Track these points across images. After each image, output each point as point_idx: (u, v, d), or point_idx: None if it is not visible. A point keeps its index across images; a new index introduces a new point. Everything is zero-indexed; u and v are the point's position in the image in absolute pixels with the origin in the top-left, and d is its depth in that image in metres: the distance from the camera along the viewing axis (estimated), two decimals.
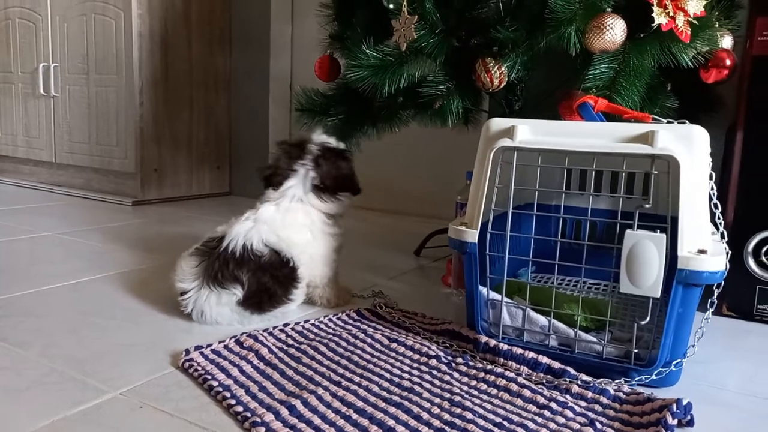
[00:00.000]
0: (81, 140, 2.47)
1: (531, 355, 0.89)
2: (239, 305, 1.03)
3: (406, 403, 0.76)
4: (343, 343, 0.96)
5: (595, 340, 0.90)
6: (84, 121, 2.44)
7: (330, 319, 1.08)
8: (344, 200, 1.16)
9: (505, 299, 0.95)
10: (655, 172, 0.83)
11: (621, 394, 0.81)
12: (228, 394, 0.77)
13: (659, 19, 1.01)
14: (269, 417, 0.71)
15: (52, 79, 2.52)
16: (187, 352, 0.89)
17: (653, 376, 0.84)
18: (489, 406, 0.77)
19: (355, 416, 0.73)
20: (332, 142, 1.17)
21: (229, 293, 1.02)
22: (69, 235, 1.72)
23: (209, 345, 0.92)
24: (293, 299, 1.09)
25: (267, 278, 1.04)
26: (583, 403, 0.79)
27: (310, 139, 1.16)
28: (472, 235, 0.93)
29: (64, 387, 0.79)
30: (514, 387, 0.82)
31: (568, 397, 0.80)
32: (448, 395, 0.79)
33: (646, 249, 0.80)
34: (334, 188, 1.13)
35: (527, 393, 0.80)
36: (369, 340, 0.98)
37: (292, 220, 1.09)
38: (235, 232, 1.05)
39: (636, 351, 0.85)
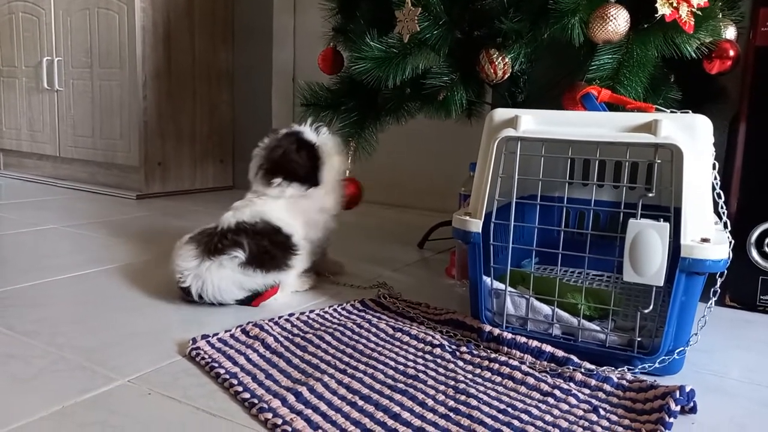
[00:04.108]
0: (85, 134, 2.47)
1: (535, 343, 0.90)
2: (242, 266, 1.06)
3: (411, 390, 0.77)
4: (348, 333, 0.96)
5: (598, 328, 0.91)
6: (88, 114, 2.45)
7: (335, 309, 1.09)
8: (291, 188, 1.16)
9: (509, 289, 0.95)
10: (659, 161, 0.84)
11: (624, 382, 0.82)
12: (235, 382, 0.78)
13: (663, 9, 1.01)
14: (276, 403, 0.72)
15: (56, 73, 2.52)
16: (194, 340, 0.90)
17: (656, 364, 0.85)
18: (493, 393, 0.78)
19: (361, 403, 0.73)
20: (308, 131, 1.20)
21: (230, 257, 1.05)
22: (74, 228, 1.73)
23: (215, 334, 0.92)
24: (293, 265, 1.13)
25: (266, 242, 1.09)
26: (587, 391, 0.80)
27: (283, 128, 1.21)
28: (476, 225, 0.94)
29: (73, 375, 0.80)
30: (518, 375, 0.82)
31: (571, 384, 0.81)
32: (452, 383, 0.80)
33: (649, 238, 0.81)
34: (271, 171, 1.16)
35: (531, 380, 0.81)
36: (374, 329, 0.99)
37: (261, 201, 1.15)
38: (224, 217, 1.13)
39: (639, 339, 0.86)
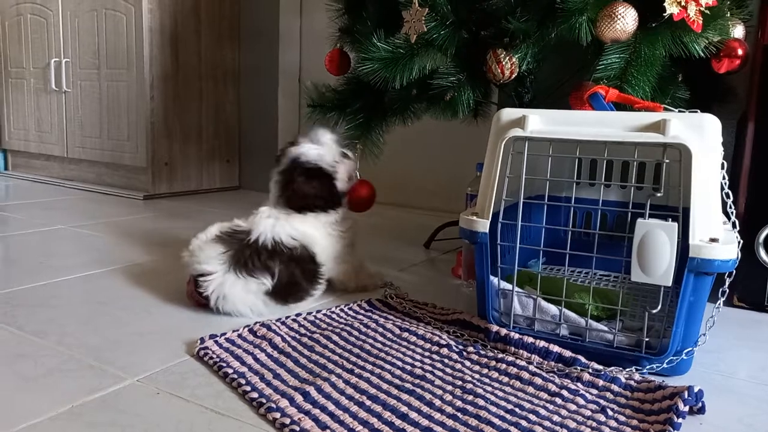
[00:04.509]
0: (92, 135, 2.49)
1: (542, 343, 0.90)
2: (267, 295, 1.04)
3: (418, 390, 0.77)
4: (355, 333, 0.97)
5: (606, 329, 0.90)
6: (95, 115, 2.46)
7: (342, 309, 1.09)
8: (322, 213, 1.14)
9: (516, 289, 0.95)
10: (667, 161, 0.83)
11: (632, 382, 0.81)
12: (243, 381, 0.78)
13: (671, 8, 1.01)
14: (284, 403, 0.72)
15: (64, 74, 2.53)
16: (202, 340, 0.90)
17: (664, 365, 0.85)
18: (500, 394, 0.78)
19: (368, 403, 0.74)
20: (310, 150, 1.13)
21: (258, 282, 1.03)
22: (81, 229, 1.74)
23: (223, 334, 0.93)
24: (314, 295, 1.12)
25: (298, 271, 1.06)
26: (595, 391, 0.80)
27: (291, 145, 1.15)
28: (483, 225, 0.94)
29: (83, 374, 0.81)
30: (526, 375, 0.82)
31: (579, 384, 0.81)
32: (459, 383, 0.80)
33: (657, 238, 0.80)
34: (294, 207, 1.12)
35: (538, 381, 0.81)
36: (380, 329, 0.99)
37: (300, 219, 1.11)
38: (263, 225, 1.07)
39: (647, 340, 0.86)
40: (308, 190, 1.12)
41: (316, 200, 1.12)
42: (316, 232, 1.11)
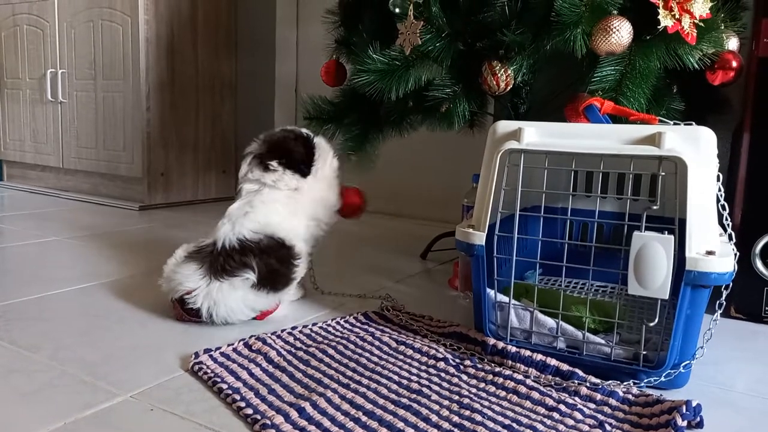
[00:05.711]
0: (88, 145, 2.48)
1: (539, 357, 0.89)
2: (254, 287, 1.04)
3: (415, 405, 0.76)
4: (351, 346, 0.96)
5: (603, 342, 0.90)
6: (91, 126, 2.46)
7: (337, 322, 1.08)
8: (284, 171, 1.14)
9: (513, 301, 0.95)
10: (663, 173, 0.83)
11: (630, 396, 0.81)
12: (237, 397, 0.77)
13: (665, 21, 1.01)
14: (279, 419, 0.71)
15: (60, 84, 2.53)
16: (197, 355, 0.89)
17: (662, 378, 0.84)
18: (498, 408, 0.77)
19: (364, 418, 0.73)
20: (302, 130, 1.20)
21: (242, 278, 1.03)
22: (76, 240, 1.73)
23: (218, 348, 0.92)
24: (296, 277, 1.12)
25: (273, 260, 1.07)
26: (592, 405, 0.79)
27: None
28: (480, 238, 0.93)
29: (75, 389, 0.80)
30: (523, 389, 0.82)
31: (577, 399, 0.81)
32: (456, 397, 0.79)
33: (654, 250, 0.80)
34: (268, 154, 1.14)
35: (536, 395, 0.80)
36: (377, 342, 0.98)
37: (259, 202, 1.11)
38: (222, 232, 1.08)
39: (644, 353, 0.85)
40: (291, 144, 1.15)
41: (295, 153, 1.14)
42: (279, 214, 1.11)
